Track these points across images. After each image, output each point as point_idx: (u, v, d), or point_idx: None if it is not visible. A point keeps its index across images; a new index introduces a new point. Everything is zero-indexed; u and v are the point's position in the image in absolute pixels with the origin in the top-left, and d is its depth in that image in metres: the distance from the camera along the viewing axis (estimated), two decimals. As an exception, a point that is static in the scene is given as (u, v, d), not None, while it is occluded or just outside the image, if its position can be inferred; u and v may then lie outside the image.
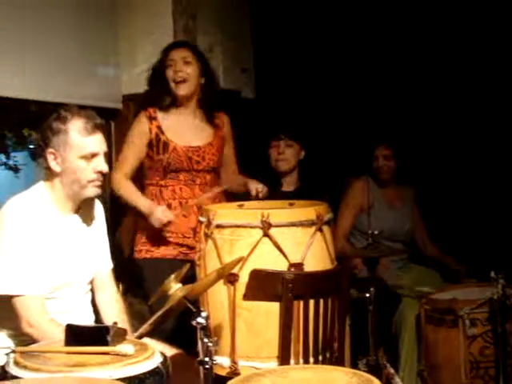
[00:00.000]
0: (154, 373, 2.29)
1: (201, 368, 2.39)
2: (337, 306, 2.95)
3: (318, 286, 2.89)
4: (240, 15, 5.21)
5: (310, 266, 2.90)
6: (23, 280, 2.74)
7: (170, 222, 3.67)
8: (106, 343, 2.37)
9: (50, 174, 2.90)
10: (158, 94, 3.86)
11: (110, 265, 3.17)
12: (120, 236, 4.39)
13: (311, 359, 2.87)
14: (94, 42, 4.43)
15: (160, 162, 3.81)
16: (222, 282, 2.85)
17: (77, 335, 2.42)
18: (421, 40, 5.12)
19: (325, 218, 3.00)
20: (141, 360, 2.30)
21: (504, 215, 4.89)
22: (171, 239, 3.79)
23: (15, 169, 5.54)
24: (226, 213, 3.04)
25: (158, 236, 3.79)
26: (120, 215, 4.38)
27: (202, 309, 2.46)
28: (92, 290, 3.10)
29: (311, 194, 3.81)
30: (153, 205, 3.71)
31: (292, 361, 2.85)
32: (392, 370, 3.44)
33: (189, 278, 2.75)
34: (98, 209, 3.14)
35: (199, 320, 2.39)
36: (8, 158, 5.40)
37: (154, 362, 2.33)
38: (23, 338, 2.77)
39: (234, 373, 2.85)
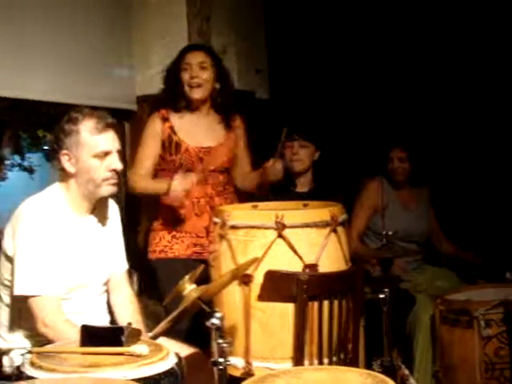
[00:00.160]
0: (168, 373, 2.29)
1: (215, 369, 2.39)
2: (351, 307, 2.94)
3: (332, 286, 2.89)
4: (254, 16, 5.21)
5: (324, 267, 2.89)
6: (39, 281, 2.75)
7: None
8: (120, 344, 2.37)
9: (64, 176, 2.92)
10: (173, 96, 3.87)
11: (125, 266, 3.18)
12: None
13: (325, 360, 2.87)
14: (108, 45, 4.46)
15: (172, 162, 3.82)
16: (236, 282, 2.85)
17: (92, 336, 2.43)
18: (436, 43, 5.11)
19: (339, 219, 3.00)
20: (155, 361, 2.30)
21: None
22: (185, 239, 3.80)
23: (30, 170, 5.55)
24: (240, 214, 3.04)
25: (171, 236, 3.81)
26: (135, 215, 4.39)
27: (216, 310, 2.46)
28: (107, 291, 3.11)
29: (325, 194, 3.80)
30: (169, 180, 3.68)
31: (306, 362, 2.84)
32: (407, 371, 3.43)
33: (203, 279, 2.75)
34: (113, 209, 3.14)
35: (213, 321, 2.40)
36: (23, 159, 5.41)
37: (169, 362, 2.34)
38: (39, 339, 2.78)
39: (248, 373, 2.85)
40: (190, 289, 2.52)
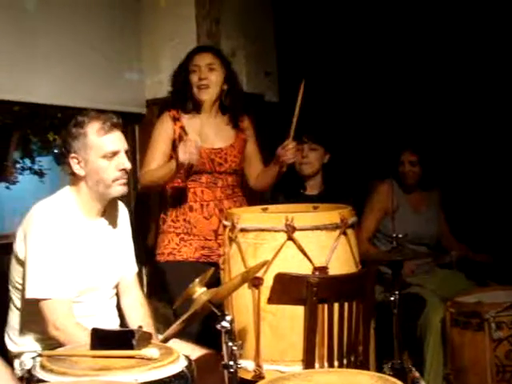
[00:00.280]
0: (179, 377, 2.29)
1: (225, 372, 2.39)
2: (361, 310, 2.94)
3: (342, 289, 2.89)
4: (263, 19, 5.21)
5: (334, 270, 2.89)
6: (50, 284, 2.75)
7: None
8: (131, 347, 2.37)
9: (75, 179, 2.93)
10: (181, 97, 3.87)
11: (135, 269, 3.18)
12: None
13: (336, 363, 2.87)
14: (118, 49, 4.46)
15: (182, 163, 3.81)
16: (246, 285, 2.85)
17: (102, 339, 2.43)
18: (448, 48, 5.09)
19: (349, 222, 3.00)
20: (166, 364, 2.30)
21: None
22: (193, 242, 3.80)
23: (40, 173, 5.56)
24: (250, 217, 3.04)
25: (179, 239, 3.81)
26: (145, 218, 4.39)
27: (226, 312, 2.46)
28: (117, 294, 3.11)
29: (335, 197, 3.80)
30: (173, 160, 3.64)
31: (317, 364, 2.84)
32: (417, 374, 3.42)
33: (213, 282, 2.75)
34: (123, 212, 3.15)
35: (224, 324, 2.40)
36: (33, 162, 5.41)
37: (179, 365, 2.33)
38: (50, 342, 2.79)
39: (259, 376, 2.85)
40: (200, 292, 2.52)
